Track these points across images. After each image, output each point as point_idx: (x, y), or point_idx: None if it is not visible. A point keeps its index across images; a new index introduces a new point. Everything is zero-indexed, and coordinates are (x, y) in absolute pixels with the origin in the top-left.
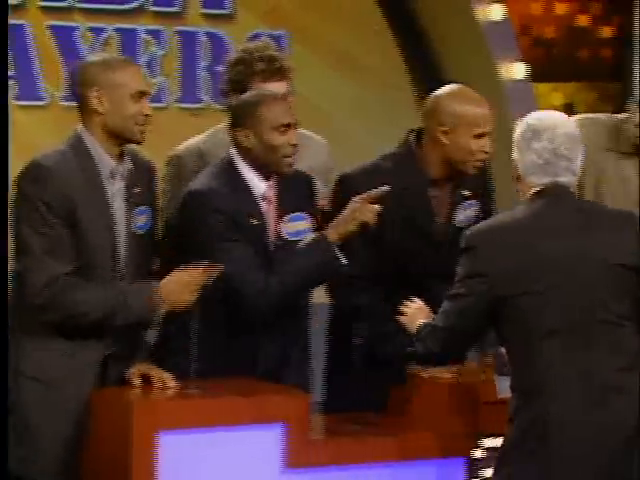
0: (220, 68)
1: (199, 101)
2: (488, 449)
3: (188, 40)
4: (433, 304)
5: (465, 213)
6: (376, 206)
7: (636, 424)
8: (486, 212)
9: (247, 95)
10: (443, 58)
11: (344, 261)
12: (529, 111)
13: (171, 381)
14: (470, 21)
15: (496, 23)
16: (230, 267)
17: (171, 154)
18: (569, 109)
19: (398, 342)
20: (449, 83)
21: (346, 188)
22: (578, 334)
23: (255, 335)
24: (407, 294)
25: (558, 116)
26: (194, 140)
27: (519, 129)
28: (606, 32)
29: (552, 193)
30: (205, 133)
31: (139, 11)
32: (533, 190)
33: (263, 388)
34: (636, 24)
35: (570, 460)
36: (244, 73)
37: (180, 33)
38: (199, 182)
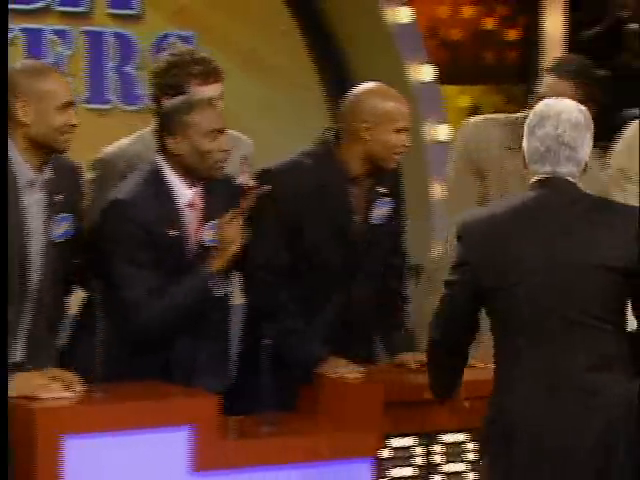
0: (127, 68)
1: (107, 102)
2: (395, 449)
3: (95, 40)
4: (352, 302)
5: (381, 211)
6: (238, 222)
7: (602, 425)
8: (398, 210)
9: (176, 101)
10: (352, 59)
11: (219, 293)
12: (436, 113)
13: (78, 385)
14: (378, 23)
15: (404, 25)
16: (125, 292)
17: (97, 157)
18: (475, 111)
19: (307, 342)
20: (358, 84)
21: (268, 183)
22: (548, 333)
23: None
24: (327, 292)
25: (565, 103)
26: (122, 142)
27: (529, 116)
28: (512, 35)
29: (550, 184)
30: (134, 135)
31: (45, 11)
32: (534, 179)
33: (170, 391)
34: (541, 26)
35: (532, 457)
36: (180, 76)
37: (87, 33)
38: (120, 190)
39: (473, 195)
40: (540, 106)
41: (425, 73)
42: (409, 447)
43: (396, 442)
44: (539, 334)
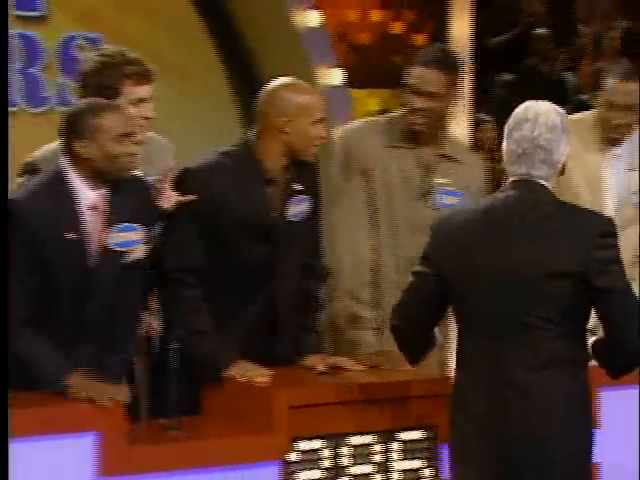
0: (33, 70)
1: (12, 104)
2: (303, 452)
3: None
4: (272, 299)
5: (298, 207)
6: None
7: (542, 421)
8: (315, 209)
9: (84, 104)
10: (261, 61)
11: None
12: (346, 116)
13: None
14: (287, 26)
15: (313, 29)
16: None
17: (25, 161)
18: (384, 114)
19: (216, 343)
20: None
21: (187, 184)
22: (495, 332)
23: (68, 343)
24: (247, 292)
25: (543, 107)
26: (50, 146)
27: (509, 119)
28: (419, 39)
29: (522, 187)
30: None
31: None
32: (510, 179)
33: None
34: (448, 31)
35: (476, 449)
36: (114, 77)
37: None
38: (20, 194)
39: (360, 196)
40: (519, 109)
41: (334, 77)
42: (317, 450)
43: (304, 445)
44: (487, 331)
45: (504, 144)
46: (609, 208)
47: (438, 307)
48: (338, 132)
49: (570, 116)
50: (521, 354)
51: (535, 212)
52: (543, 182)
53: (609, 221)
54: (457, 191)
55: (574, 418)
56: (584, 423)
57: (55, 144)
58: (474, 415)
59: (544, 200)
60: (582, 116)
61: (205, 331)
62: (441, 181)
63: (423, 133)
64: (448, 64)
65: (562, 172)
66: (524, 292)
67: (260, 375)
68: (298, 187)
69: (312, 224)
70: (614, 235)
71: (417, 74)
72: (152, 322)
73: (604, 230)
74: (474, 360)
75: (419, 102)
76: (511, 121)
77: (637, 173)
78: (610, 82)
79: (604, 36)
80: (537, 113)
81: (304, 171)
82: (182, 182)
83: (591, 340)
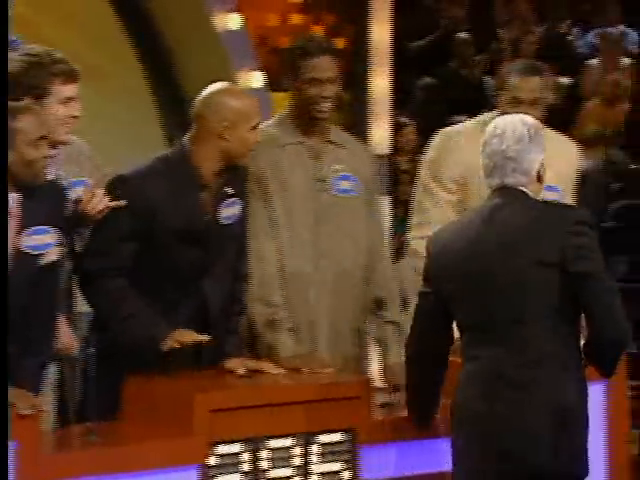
0: None
1: None
2: (222, 455)
3: None
4: (204, 304)
5: (229, 210)
6: None
7: (529, 417)
8: (244, 209)
9: None
10: (181, 63)
11: None
12: (266, 119)
13: None
14: (207, 29)
15: (233, 32)
16: None
17: None
18: None
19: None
20: (187, 89)
21: (120, 190)
22: (488, 331)
23: None
24: (178, 294)
25: (510, 120)
26: None
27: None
28: (339, 43)
29: (501, 194)
30: None
31: None
32: (489, 191)
33: None
34: (368, 36)
35: (471, 441)
36: (42, 76)
37: None
38: None
39: (259, 203)
40: (490, 126)
41: (255, 79)
42: (236, 453)
43: (223, 449)
44: (482, 331)
45: (480, 159)
46: None
47: (443, 326)
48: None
49: (471, 120)
50: (514, 351)
51: (517, 214)
52: (520, 188)
53: (584, 212)
54: (352, 175)
55: (566, 415)
56: (576, 420)
57: None
58: (471, 411)
59: (525, 202)
60: (483, 117)
61: (135, 314)
62: (336, 167)
63: (323, 121)
64: (333, 49)
65: (539, 179)
66: (515, 290)
67: (195, 338)
68: (229, 190)
69: (241, 227)
70: (588, 224)
71: (314, 65)
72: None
73: (578, 219)
74: (472, 359)
75: (323, 90)
76: (484, 138)
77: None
78: (513, 80)
79: (522, 40)
80: (504, 128)
81: (234, 174)
82: (115, 188)
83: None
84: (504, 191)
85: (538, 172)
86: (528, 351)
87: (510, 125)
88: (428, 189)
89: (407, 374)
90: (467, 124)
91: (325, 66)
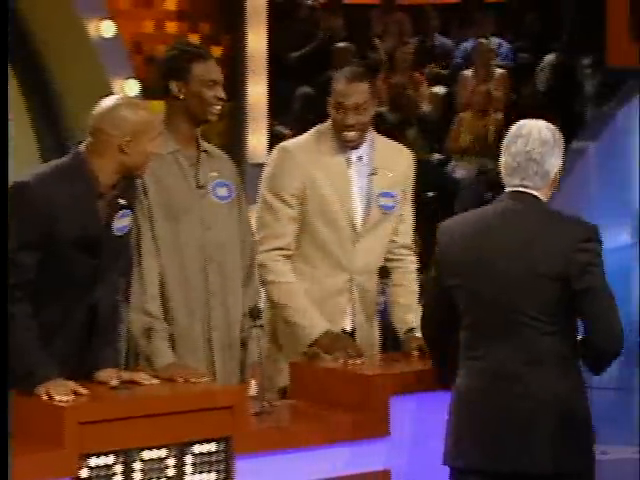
0: None
1: None
2: (94, 468)
3: None
4: (96, 313)
5: (122, 221)
6: None
7: (527, 412)
8: (134, 220)
9: None
10: (55, 72)
11: None
12: None
13: None
14: (81, 35)
15: (108, 40)
16: None
17: None
18: None
19: (32, 360)
20: (62, 98)
21: (21, 196)
22: (491, 329)
23: None
24: (72, 303)
25: (536, 123)
26: None
27: (507, 134)
28: (216, 52)
29: (517, 197)
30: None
31: None
32: (506, 189)
33: None
34: (244, 45)
35: (471, 440)
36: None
37: None
38: None
39: (142, 212)
40: (515, 126)
41: (130, 88)
42: (108, 465)
43: (95, 461)
44: (484, 329)
45: (501, 158)
46: (357, 210)
47: (449, 311)
48: None
49: (310, 132)
50: (516, 350)
51: (527, 221)
52: (535, 193)
53: (592, 227)
54: (226, 181)
55: (564, 411)
56: (577, 417)
57: None
58: (472, 409)
59: (536, 209)
60: (319, 129)
61: (28, 349)
62: (213, 174)
63: (210, 123)
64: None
65: (554, 183)
66: (518, 294)
67: (61, 394)
68: (122, 201)
69: (129, 238)
70: (595, 240)
71: (208, 67)
72: None
73: (585, 236)
74: (472, 358)
75: (218, 92)
76: (508, 137)
77: (379, 176)
78: (338, 85)
79: (397, 50)
80: (530, 130)
81: (127, 185)
82: (15, 195)
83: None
84: (520, 195)
85: (555, 176)
86: (530, 352)
87: (535, 127)
88: (268, 204)
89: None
90: (305, 137)
91: (216, 68)
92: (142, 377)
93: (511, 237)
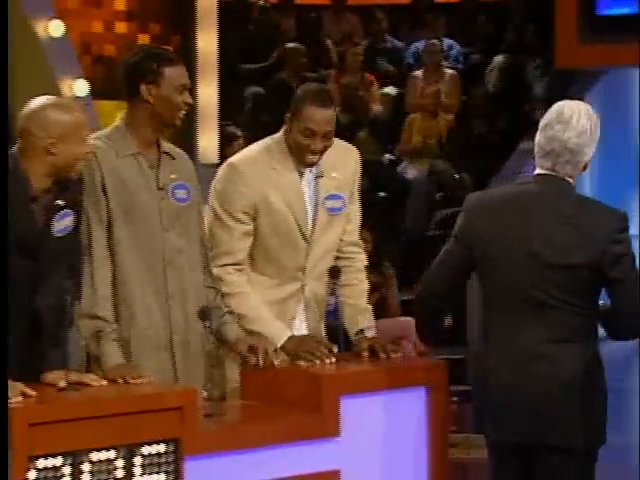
0: None
1: None
2: (42, 469)
3: None
4: (37, 316)
5: (62, 223)
6: None
7: (557, 387)
8: (78, 221)
9: None
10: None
11: None
12: (92, 128)
13: None
14: (28, 35)
15: (56, 39)
16: None
17: None
18: None
19: None
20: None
21: None
22: (518, 308)
23: None
24: (13, 306)
25: (578, 107)
26: None
27: (547, 113)
28: None
29: (548, 180)
30: None
31: None
32: (537, 171)
33: None
34: (194, 46)
35: (499, 406)
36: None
37: None
38: None
39: (97, 211)
40: (556, 106)
41: (79, 88)
42: (57, 467)
43: (43, 463)
44: (511, 308)
45: (537, 136)
46: (308, 218)
47: (457, 282)
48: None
49: (258, 145)
50: (544, 329)
51: (559, 206)
52: (566, 177)
53: (624, 217)
54: (185, 183)
55: (590, 387)
56: (600, 392)
57: None
58: (496, 383)
59: (568, 194)
60: (272, 141)
61: None
62: (172, 176)
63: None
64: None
65: (585, 169)
66: (549, 277)
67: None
68: (61, 202)
69: (75, 239)
70: (627, 230)
71: (179, 72)
72: None
73: (620, 226)
74: (497, 333)
75: (187, 97)
76: (548, 117)
77: (326, 179)
78: (307, 110)
79: (347, 52)
80: (570, 115)
81: (67, 186)
82: None
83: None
84: (552, 179)
85: (585, 164)
86: (557, 331)
87: (576, 114)
88: (221, 221)
89: (415, 307)
90: (254, 152)
91: (186, 73)
92: (91, 378)
93: (544, 221)
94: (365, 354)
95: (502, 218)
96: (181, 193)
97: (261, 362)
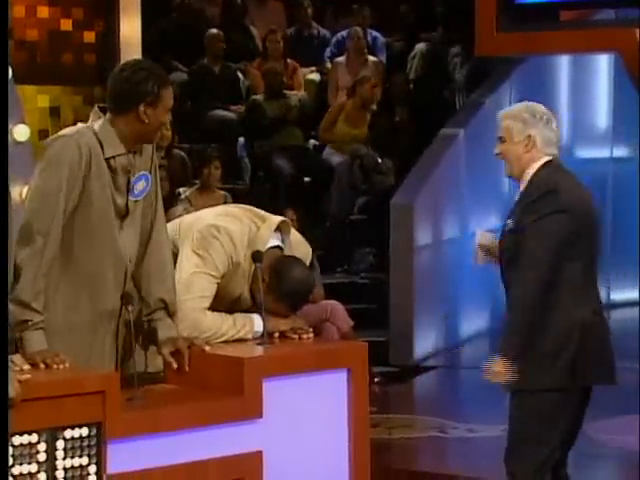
0: None
1: None
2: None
3: None
4: None
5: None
6: None
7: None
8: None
9: None
10: None
11: None
12: (16, 113)
13: None
14: None
15: None
16: None
17: None
18: (56, 112)
19: None
20: None
21: None
22: (592, 280)
23: None
24: None
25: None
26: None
27: (526, 112)
28: (88, 37)
29: (557, 162)
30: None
31: None
32: (545, 158)
33: None
34: (117, 30)
35: (594, 352)
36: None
37: None
38: None
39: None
40: (540, 106)
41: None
42: None
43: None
44: (589, 279)
45: (543, 130)
46: None
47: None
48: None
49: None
50: (598, 302)
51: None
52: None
53: None
54: (146, 174)
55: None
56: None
57: None
58: (590, 332)
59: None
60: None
61: None
62: (141, 173)
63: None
64: None
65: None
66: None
67: None
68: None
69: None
70: None
71: (170, 92)
72: None
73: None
74: (585, 295)
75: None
76: (543, 113)
77: None
78: (163, 91)
79: (268, 39)
80: (550, 110)
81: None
82: None
83: None
84: (558, 160)
85: None
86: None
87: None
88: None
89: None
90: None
91: (172, 94)
92: (15, 362)
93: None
94: (294, 336)
95: (584, 199)
96: (140, 185)
97: (186, 367)
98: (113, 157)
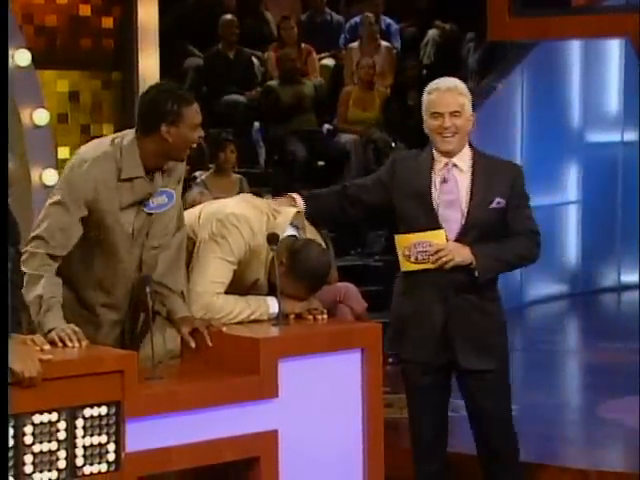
0: None
1: None
2: None
3: None
4: None
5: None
6: None
7: None
8: None
9: None
10: None
11: None
12: (34, 98)
13: None
14: None
15: None
16: None
17: None
18: (75, 96)
19: None
20: None
21: None
22: None
23: None
24: None
25: None
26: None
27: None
28: (106, 22)
29: None
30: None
31: None
32: None
33: None
34: (135, 16)
35: None
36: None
37: None
38: None
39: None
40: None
41: (21, 58)
42: None
43: None
44: None
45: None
46: None
47: None
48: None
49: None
50: None
51: None
52: None
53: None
54: (168, 191)
55: None
56: None
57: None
58: None
59: None
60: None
61: None
62: (164, 189)
63: None
64: None
65: None
66: None
67: None
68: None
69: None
70: None
71: (195, 109)
72: None
73: None
74: None
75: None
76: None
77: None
78: (184, 110)
79: (282, 25)
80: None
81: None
82: None
83: None
84: None
85: None
86: None
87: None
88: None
89: None
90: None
91: (199, 111)
92: (35, 341)
93: None
94: (309, 317)
95: None
96: (161, 200)
97: (209, 342)
98: (130, 179)
